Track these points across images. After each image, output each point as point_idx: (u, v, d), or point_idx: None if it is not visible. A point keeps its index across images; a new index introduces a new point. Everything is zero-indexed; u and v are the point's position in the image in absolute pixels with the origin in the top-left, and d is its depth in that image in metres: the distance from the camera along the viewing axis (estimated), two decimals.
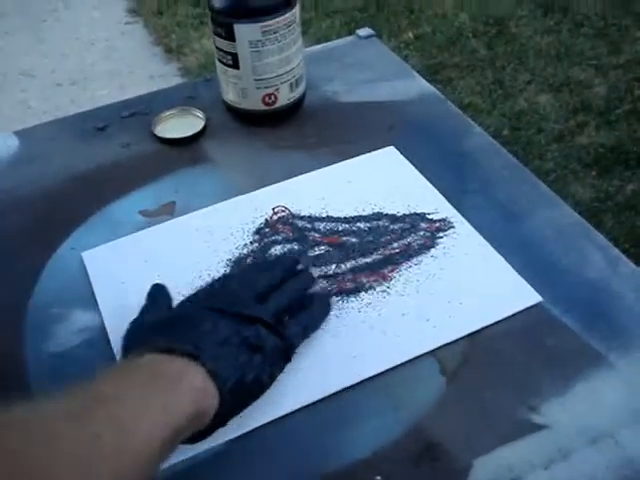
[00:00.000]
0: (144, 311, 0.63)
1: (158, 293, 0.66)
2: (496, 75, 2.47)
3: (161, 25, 2.96)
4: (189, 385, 0.52)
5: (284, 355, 0.59)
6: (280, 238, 0.74)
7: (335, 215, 0.76)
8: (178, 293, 0.65)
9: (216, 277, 0.69)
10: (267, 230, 0.75)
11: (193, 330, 0.56)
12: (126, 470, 0.45)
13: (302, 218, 0.76)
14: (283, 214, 0.76)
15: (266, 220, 0.76)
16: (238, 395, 0.55)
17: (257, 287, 0.62)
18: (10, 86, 2.68)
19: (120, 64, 2.78)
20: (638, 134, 2.17)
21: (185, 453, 0.56)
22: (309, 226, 0.75)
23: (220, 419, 0.54)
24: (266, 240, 0.74)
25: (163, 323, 0.59)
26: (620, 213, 1.93)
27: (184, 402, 0.50)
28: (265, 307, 0.60)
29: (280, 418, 0.59)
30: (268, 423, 0.59)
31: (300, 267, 0.69)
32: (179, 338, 0.55)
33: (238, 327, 0.56)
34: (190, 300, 0.62)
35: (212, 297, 0.61)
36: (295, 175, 0.82)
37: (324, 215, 0.76)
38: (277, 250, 0.73)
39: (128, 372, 0.52)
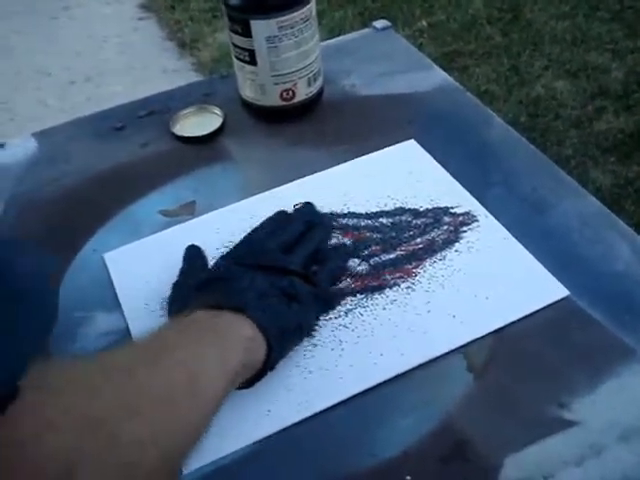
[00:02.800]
0: (183, 273, 0.68)
1: (194, 255, 0.70)
2: (512, 61, 2.45)
3: (174, 20, 2.96)
4: (240, 336, 0.56)
5: (320, 299, 0.64)
6: None
7: (357, 211, 0.75)
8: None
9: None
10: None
11: (234, 287, 0.60)
12: (197, 412, 0.50)
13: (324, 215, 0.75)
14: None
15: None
16: (283, 341, 0.59)
17: (282, 240, 0.66)
18: (25, 85, 2.69)
19: (134, 60, 2.78)
20: None
21: (215, 453, 0.57)
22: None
23: (269, 364, 0.58)
24: None
25: (205, 283, 0.63)
26: None
27: (237, 351, 0.55)
28: (293, 258, 0.64)
29: (310, 417, 0.59)
30: (298, 422, 0.58)
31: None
32: (224, 295, 0.59)
33: (273, 279, 0.61)
34: (224, 260, 0.66)
35: (244, 255, 0.65)
36: (315, 171, 0.81)
37: (346, 211, 0.76)
38: None
39: (184, 326, 0.56)
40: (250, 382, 0.58)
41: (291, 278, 0.62)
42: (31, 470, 0.40)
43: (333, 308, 0.66)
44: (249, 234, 0.71)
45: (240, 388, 0.57)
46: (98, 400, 0.44)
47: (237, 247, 0.69)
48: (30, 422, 0.40)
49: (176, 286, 0.66)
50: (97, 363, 0.48)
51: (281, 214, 0.73)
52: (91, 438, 0.42)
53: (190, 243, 0.72)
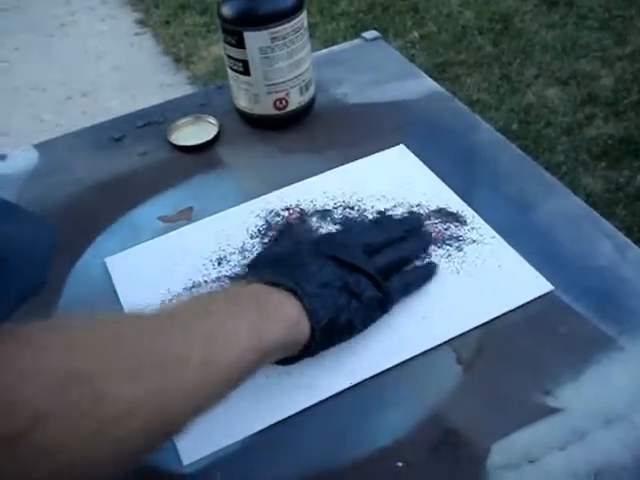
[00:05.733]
0: (273, 243, 0.72)
1: (286, 230, 0.73)
2: (503, 71, 2.49)
3: (169, 35, 2.99)
4: (284, 316, 0.57)
5: (381, 306, 0.64)
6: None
7: (348, 214, 0.78)
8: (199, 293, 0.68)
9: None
10: (283, 230, 0.77)
11: (300, 269, 0.61)
12: (205, 381, 0.50)
13: (315, 216, 0.78)
14: (297, 214, 0.79)
15: (280, 220, 0.78)
16: (329, 333, 0.60)
17: (371, 241, 0.68)
18: (22, 101, 2.72)
19: (130, 75, 2.81)
20: None
21: (215, 445, 0.59)
22: (323, 224, 0.77)
23: (309, 351, 0.59)
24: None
25: (277, 259, 0.66)
26: (632, 204, 1.94)
27: (276, 330, 0.55)
28: (372, 260, 0.65)
29: (306, 409, 0.61)
30: (294, 414, 0.61)
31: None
32: (285, 274, 0.60)
33: (342, 273, 0.62)
34: (309, 243, 0.67)
35: (327, 243, 0.66)
36: (308, 177, 0.84)
37: (338, 212, 0.78)
38: None
39: (233, 296, 0.58)
40: (290, 360, 0.60)
41: (360, 277, 0.62)
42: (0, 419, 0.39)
43: (386, 313, 0.66)
44: (344, 227, 0.75)
45: (281, 363, 0.60)
46: (79, 355, 0.43)
47: (325, 235, 0.72)
48: (2, 373, 0.39)
49: (260, 253, 0.69)
50: (97, 322, 0.47)
51: (385, 218, 0.75)
52: (69, 392, 0.41)
53: (186, 246, 0.75)
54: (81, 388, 0.41)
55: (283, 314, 0.57)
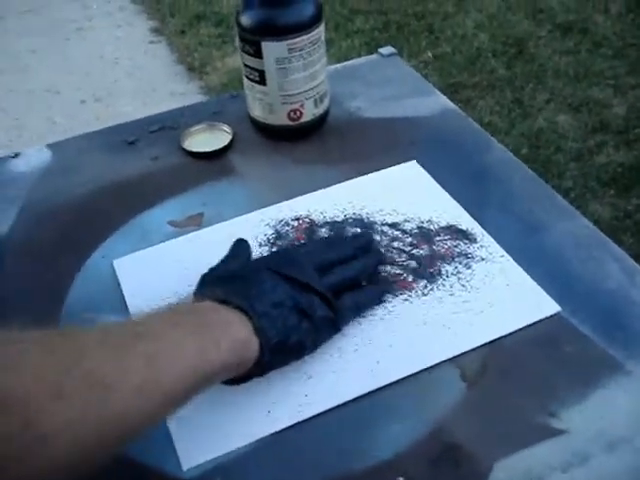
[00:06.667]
0: (223, 261, 0.69)
1: (240, 247, 0.71)
2: (515, 94, 2.49)
3: (184, 44, 3.01)
4: (232, 336, 0.56)
5: (332, 326, 0.64)
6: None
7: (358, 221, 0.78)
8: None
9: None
10: (291, 240, 0.77)
11: (252, 287, 0.60)
12: (141, 405, 0.49)
13: (324, 227, 0.78)
14: (307, 224, 0.79)
15: (290, 230, 0.78)
16: (279, 353, 0.59)
17: (323, 259, 0.67)
18: (36, 103, 2.74)
19: (143, 82, 2.83)
20: None
21: (215, 451, 0.59)
22: (332, 234, 0.77)
23: (258, 371, 0.59)
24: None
25: (229, 276, 0.64)
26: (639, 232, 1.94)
27: (222, 351, 0.55)
28: (325, 279, 0.64)
29: (307, 420, 0.61)
30: (296, 424, 0.61)
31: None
32: (237, 292, 0.60)
33: (294, 292, 0.61)
34: (261, 260, 0.67)
35: (280, 261, 0.65)
36: (319, 188, 0.84)
37: (349, 221, 0.78)
38: None
39: (181, 315, 0.57)
40: (238, 380, 0.59)
41: (312, 297, 0.62)
42: None
43: (339, 332, 0.66)
44: (296, 245, 0.74)
45: (229, 383, 0.59)
46: (12, 377, 0.43)
47: (277, 253, 0.71)
48: None
49: (210, 272, 0.67)
50: (38, 337, 0.47)
51: (336, 236, 0.75)
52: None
53: (195, 251, 0.75)
54: (10, 415, 0.42)
55: (231, 334, 0.56)
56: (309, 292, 0.62)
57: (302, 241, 0.77)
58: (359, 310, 0.68)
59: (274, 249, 0.76)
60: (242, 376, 0.59)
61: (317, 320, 0.61)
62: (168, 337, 0.53)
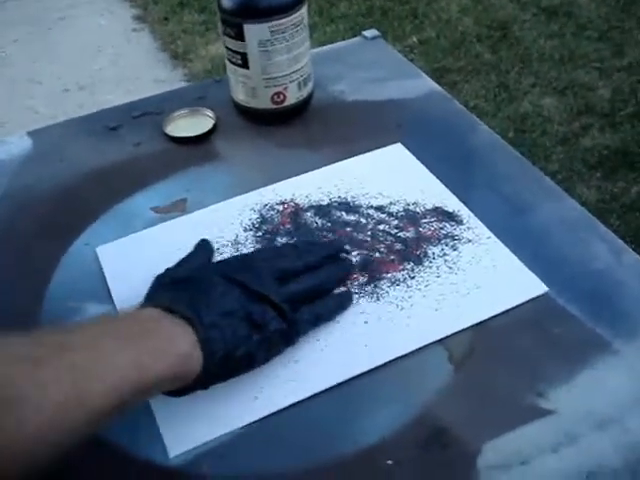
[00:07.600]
0: (180, 262, 0.66)
1: (201, 248, 0.68)
2: (500, 78, 2.48)
3: (167, 32, 2.98)
4: (173, 349, 0.53)
5: (286, 339, 0.61)
6: (289, 232, 0.75)
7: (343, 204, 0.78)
8: None
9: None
10: (276, 224, 0.76)
11: (201, 295, 0.57)
12: (62, 420, 0.46)
13: (309, 211, 0.77)
14: (292, 209, 0.78)
15: (275, 215, 0.77)
16: (224, 366, 0.56)
17: (284, 267, 0.63)
18: (18, 92, 2.71)
19: (127, 70, 2.80)
20: None
21: (202, 437, 0.58)
22: (317, 219, 0.76)
23: (201, 384, 0.56)
24: (275, 234, 0.75)
25: (180, 280, 0.61)
26: (625, 214, 1.94)
27: (161, 364, 0.52)
28: (283, 288, 0.61)
29: (294, 404, 0.60)
30: (283, 409, 0.60)
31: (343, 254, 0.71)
32: (183, 300, 0.56)
33: (246, 302, 0.58)
34: (217, 265, 0.64)
35: (237, 268, 0.61)
36: (304, 172, 0.83)
37: (334, 204, 0.78)
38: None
39: (118, 324, 0.54)
40: (180, 392, 0.56)
41: (266, 307, 0.58)
42: None
43: (293, 345, 0.62)
44: (258, 250, 0.70)
45: (171, 395, 0.56)
46: None
47: (235, 257, 0.67)
48: None
49: (164, 272, 0.64)
50: None
51: (305, 242, 0.72)
52: None
53: (179, 237, 0.74)
54: None
55: (172, 347, 0.53)
56: (263, 302, 0.58)
57: (287, 226, 0.76)
58: (318, 322, 0.64)
59: (259, 234, 0.75)
60: (184, 388, 0.55)
61: (269, 333, 0.58)
62: (99, 348, 0.50)
